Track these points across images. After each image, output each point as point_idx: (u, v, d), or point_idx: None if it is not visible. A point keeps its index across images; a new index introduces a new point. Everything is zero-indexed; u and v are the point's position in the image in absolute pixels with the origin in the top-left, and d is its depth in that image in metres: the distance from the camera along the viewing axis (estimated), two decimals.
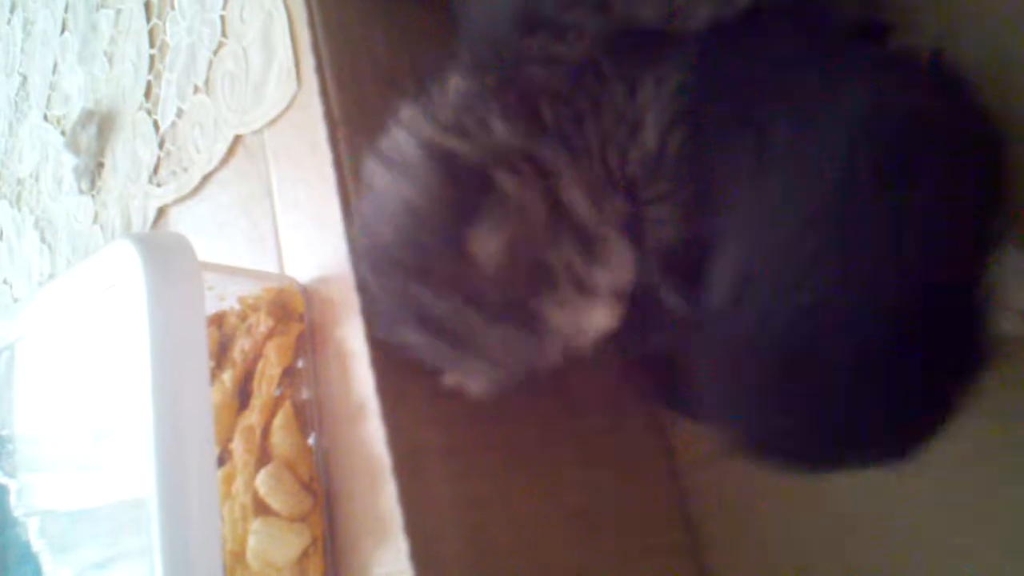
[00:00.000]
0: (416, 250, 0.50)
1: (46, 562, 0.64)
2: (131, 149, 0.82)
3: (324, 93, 0.61)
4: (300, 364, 0.60)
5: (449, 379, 0.54)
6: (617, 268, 0.50)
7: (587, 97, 0.52)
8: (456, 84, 0.53)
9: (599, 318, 0.50)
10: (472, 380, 0.53)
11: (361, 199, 0.57)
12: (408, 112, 0.53)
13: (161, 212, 0.78)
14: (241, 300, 0.62)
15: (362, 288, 0.56)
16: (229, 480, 0.57)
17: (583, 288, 0.49)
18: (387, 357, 0.55)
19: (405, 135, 0.52)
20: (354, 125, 0.60)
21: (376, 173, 0.54)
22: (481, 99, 0.51)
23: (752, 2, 0.53)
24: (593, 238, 0.50)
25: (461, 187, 0.49)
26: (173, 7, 0.79)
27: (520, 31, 0.55)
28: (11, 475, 0.67)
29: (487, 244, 0.48)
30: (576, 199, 0.50)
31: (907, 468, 0.56)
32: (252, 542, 0.55)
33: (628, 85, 0.51)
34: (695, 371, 0.50)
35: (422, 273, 0.50)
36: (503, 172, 0.48)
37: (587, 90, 0.52)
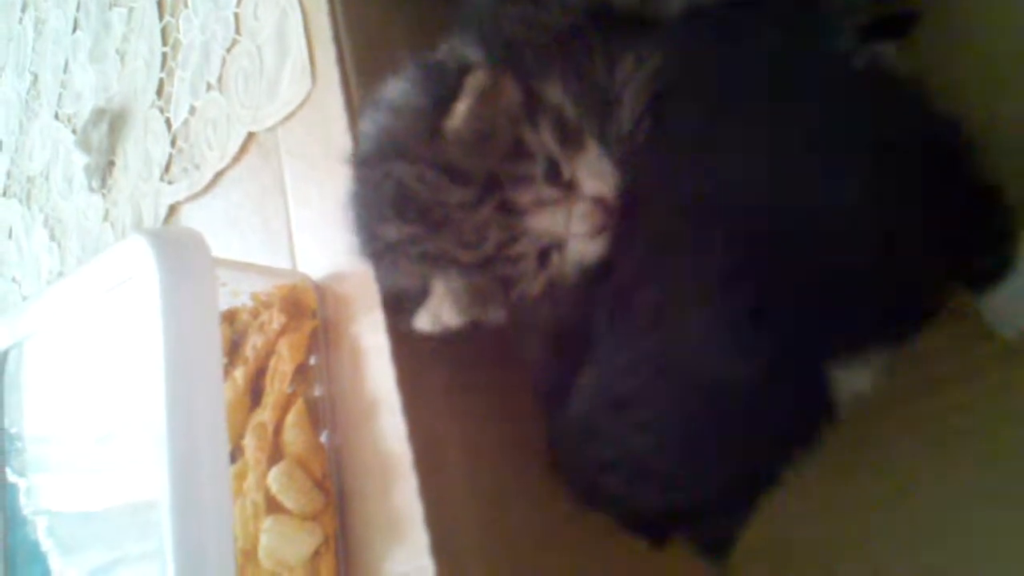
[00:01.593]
0: (395, 136, 0.52)
1: (54, 562, 0.63)
2: (143, 147, 0.82)
3: (345, 85, 0.60)
4: (313, 361, 0.60)
5: (424, 315, 0.52)
6: (596, 172, 0.51)
7: (568, 59, 0.54)
8: (442, 46, 0.56)
9: (577, 223, 0.50)
10: (449, 299, 0.52)
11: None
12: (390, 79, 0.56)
13: (172, 210, 0.78)
14: (254, 296, 0.62)
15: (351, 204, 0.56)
16: (241, 478, 0.57)
17: (559, 181, 0.50)
18: (406, 351, 0.54)
19: (391, 81, 0.55)
20: None
21: (365, 116, 0.57)
22: (460, 45, 0.55)
23: None
24: (573, 129, 0.51)
25: (437, 82, 0.51)
26: (186, 5, 0.78)
27: (500, 1, 0.58)
28: (20, 474, 0.67)
29: (456, 115, 0.49)
30: (556, 94, 0.52)
31: (930, 472, 0.57)
32: (264, 540, 0.55)
33: (608, 58, 0.53)
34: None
35: (399, 151, 0.51)
36: (478, 68, 0.50)
37: (569, 53, 0.54)
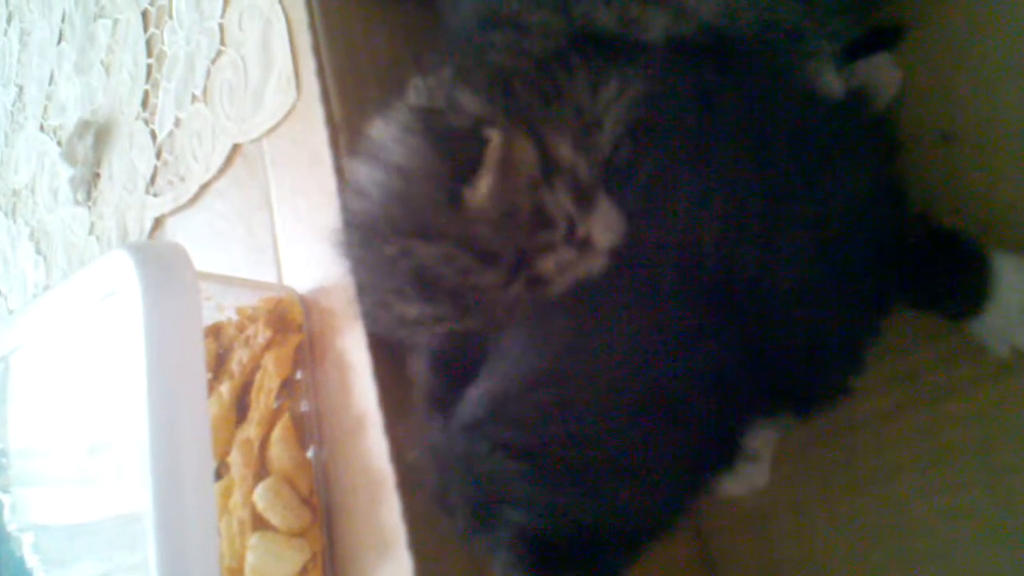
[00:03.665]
0: (409, 206, 0.49)
1: None
2: (128, 159, 0.81)
3: (325, 98, 0.60)
4: (299, 375, 0.60)
5: None
6: (608, 225, 0.49)
7: (551, 83, 0.52)
8: (416, 83, 0.53)
9: (591, 270, 0.49)
10: None
11: (346, 195, 0.56)
12: (379, 122, 0.53)
13: (158, 222, 0.77)
14: (239, 311, 0.62)
15: (351, 269, 0.54)
16: (227, 494, 0.56)
17: (575, 240, 0.48)
18: (389, 368, 0.54)
19: (382, 126, 0.52)
20: (356, 131, 0.59)
21: (359, 169, 0.53)
22: (447, 84, 0.51)
23: (715, 20, 0.53)
24: (587, 188, 0.49)
25: (449, 145, 0.48)
26: (171, 17, 0.78)
27: (483, 27, 0.56)
28: (5, 490, 0.66)
29: (481, 190, 0.46)
30: (568, 154, 0.49)
31: (928, 485, 0.56)
32: (250, 558, 0.54)
33: (592, 81, 0.51)
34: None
35: (417, 226, 0.48)
36: (490, 128, 0.47)
37: (552, 77, 0.52)
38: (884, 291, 0.53)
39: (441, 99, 0.51)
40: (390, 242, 0.49)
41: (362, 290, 0.53)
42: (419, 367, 0.51)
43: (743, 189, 0.49)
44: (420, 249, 0.47)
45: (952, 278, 0.56)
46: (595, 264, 0.48)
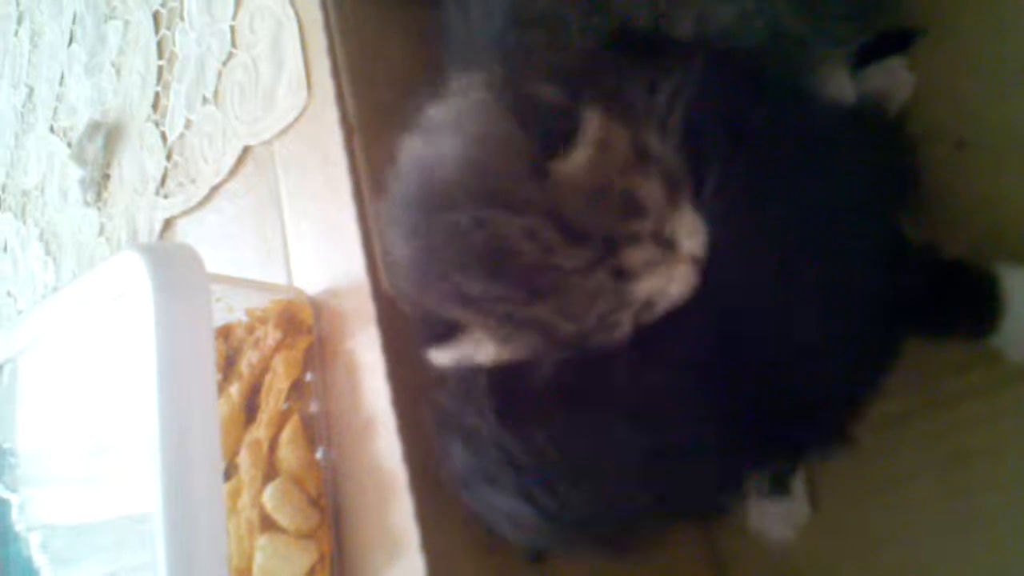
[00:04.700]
0: (491, 174, 0.45)
1: None
2: (138, 161, 0.81)
3: (340, 98, 0.60)
4: (308, 377, 0.60)
5: (448, 353, 0.48)
6: (693, 229, 0.46)
7: (601, 84, 0.48)
8: (460, 81, 0.50)
9: (678, 282, 0.46)
10: (490, 345, 0.47)
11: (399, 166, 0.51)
12: (437, 104, 0.49)
13: (168, 224, 0.77)
14: (249, 312, 0.62)
15: (400, 239, 0.49)
16: (235, 495, 0.56)
17: (661, 239, 0.45)
18: (402, 369, 0.54)
19: (443, 106, 0.48)
20: (370, 132, 0.59)
21: (417, 142, 0.49)
22: (506, 80, 0.49)
23: (732, 26, 0.53)
24: (677, 183, 0.46)
25: (540, 118, 0.45)
26: (182, 18, 0.78)
27: (516, 25, 0.54)
28: (13, 489, 0.67)
29: (577, 163, 0.43)
30: (656, 144, 0.46)
31: (942, 489, 0.56)
32: (258, 559, 0.54)
33: (647, 82, 0.49)
34: None
35: (500, 196, 0.44)
36: (588, 108, 0.44)
37: (601, 78, 0.49)
38: (894, 328, 0.54)
39: (506, 91, 0.48)
40: (462, 211, 0.44)
41: (412, 261, 0.48)
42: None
43: (776, 220, 0.49)
44: (501, 220, 0.44)
45: (965, 306, 0.56)
46: (679, 273, 0.46)
